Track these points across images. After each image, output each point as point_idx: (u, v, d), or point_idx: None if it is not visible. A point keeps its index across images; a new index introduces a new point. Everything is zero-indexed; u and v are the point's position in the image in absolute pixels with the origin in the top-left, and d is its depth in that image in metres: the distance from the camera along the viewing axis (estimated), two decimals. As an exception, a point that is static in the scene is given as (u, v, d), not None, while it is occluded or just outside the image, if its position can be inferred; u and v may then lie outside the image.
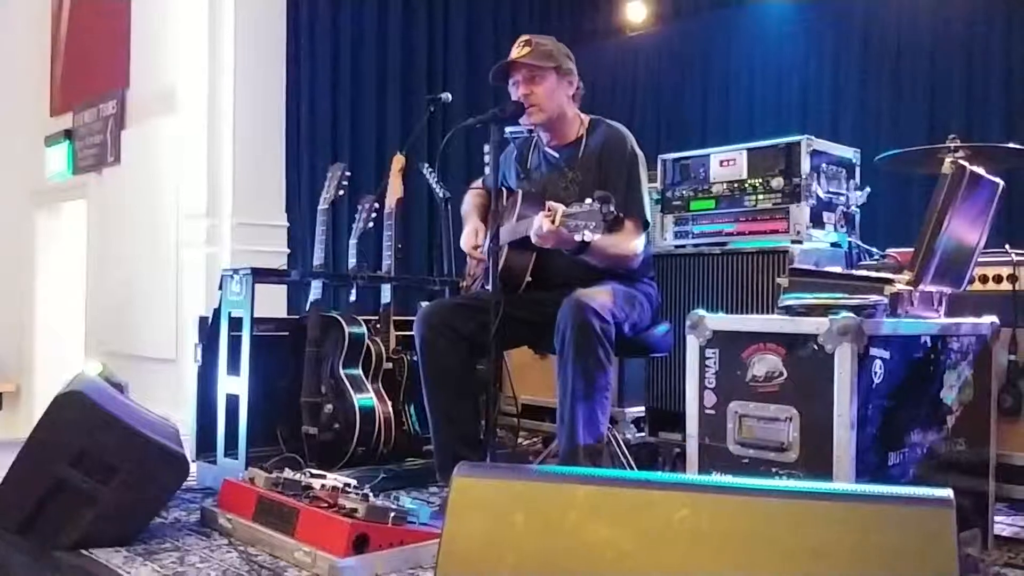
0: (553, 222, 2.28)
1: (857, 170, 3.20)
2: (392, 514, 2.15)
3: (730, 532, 1.12)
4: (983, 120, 4.90)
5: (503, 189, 2.81)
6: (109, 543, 2.26)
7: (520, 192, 2.72)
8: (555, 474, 1.24)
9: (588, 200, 2.19)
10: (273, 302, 4.07)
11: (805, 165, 2.95)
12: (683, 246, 3.25)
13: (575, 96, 2.75)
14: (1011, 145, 3.20)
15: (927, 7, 5.08)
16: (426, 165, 3.99)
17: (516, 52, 2.69)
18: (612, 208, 2.16)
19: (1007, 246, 2.65)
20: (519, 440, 3.69)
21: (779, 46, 5.73)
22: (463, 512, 1.22)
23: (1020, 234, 3.76)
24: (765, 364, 1.94)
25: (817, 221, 3.00)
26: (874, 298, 1.97)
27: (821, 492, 1.13)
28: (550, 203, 2.33)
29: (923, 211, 5.01)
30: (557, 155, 2.75)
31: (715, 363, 2.03)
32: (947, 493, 1.09)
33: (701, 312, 2.07)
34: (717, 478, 1.22)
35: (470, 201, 2.94)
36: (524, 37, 2.73)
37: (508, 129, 2.76)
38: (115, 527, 2.28)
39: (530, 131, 2.75)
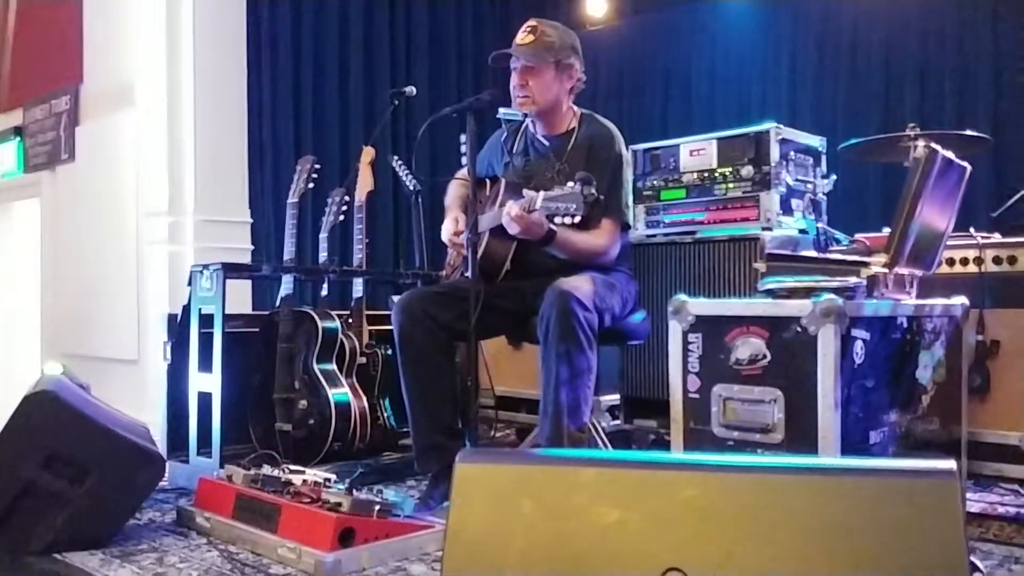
0: (527, 209, 2.28)
1: (823, 158, 3.25)
2: (377, 507, 2.14)
3: (738, 510, 1.12)
4: (936, 110, 5.00)
5: (487, 179, 2.80)
6: (83, 546, 2.21)
7: (504, 180, 2.71)
8: (560, 457, 1.24)
9: (570, 183, 2.19)
10: (238, 298, 4.00)
11: (774, 153, 3.00)
12: (654, 236, 3.27)
13: (572, 89, 2.74)
14: (968, 132, 3.28)
15: (882, 1, 5.18)
16: (395, 157, 3.96)
17: (520, 38, 2.66)
18: (593, 190, 2.16)
19: (971, 229, 2.72)
20: (493, 432, 3.68)
21: (738, 40, 5.79)
22: (468, 499, 1.20)
23: (975, 219, 3.86)
24: (749, 347, 1.96)
25: (786, 208, 3.05)
26: (853, 280, 2.00)
27: (826, 467, 1.14)
28: (525, 191, 2.33)
29: (880, 198, 5.13)
30: (547, 143, 2.75)
31: (698, 347, 2.05)
32: (950, 465, 1.11)
33: (683, 297, 2.09)
34: (723, 457, 1.23)
35: (453, 192, 2.92)
36: (532, 22, 2.68)
37: (502, 110, 2.74)
38: (89, 529, 2.23)
39: (525, 115, 2.74)
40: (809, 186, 3.14)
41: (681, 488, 1.15)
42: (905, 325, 2.12)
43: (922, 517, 1.08)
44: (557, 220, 2.23)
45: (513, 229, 2.41)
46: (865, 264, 2.10)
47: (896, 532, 1.08)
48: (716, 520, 1.13)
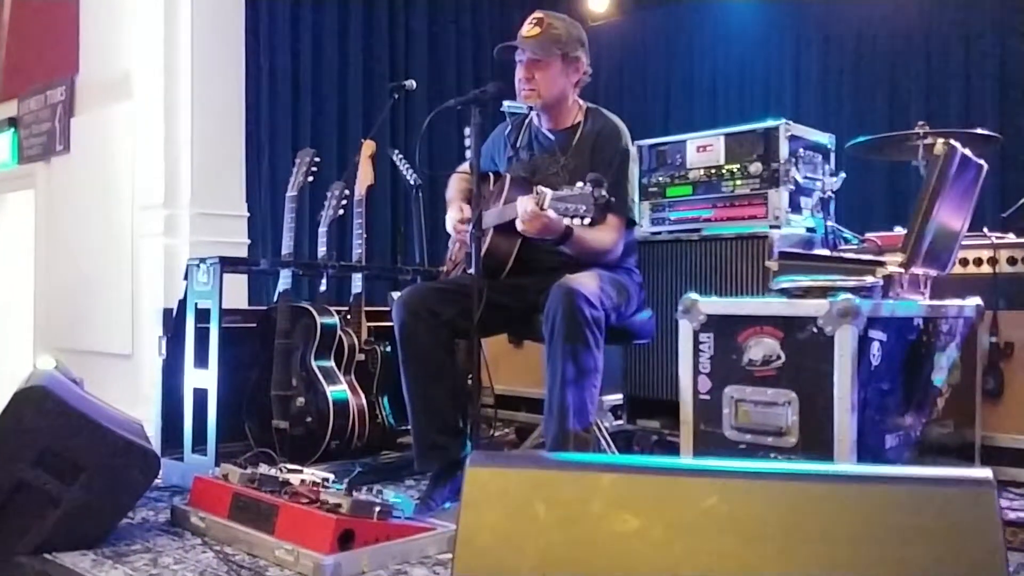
0: (540, 205, 2.22)
1: (832, 155, 3.20)
2: (377, 508, 2.07)
3: (764, 518, 1.07)
4: (942, 109, 4.96)
5: (490, 174, 2.74)
6: (75, 546, 2.14)
7: (508, 176, 2.66)
8: (576, 462, 1.18)
9: (580, 184, 2.13)
10: (234, 293, 3.94)
11: (784, 150, 2.94)
12: (659, 233, 3.22)
13: (578, 82, 2.68)
14: (977, 131, 3.24)
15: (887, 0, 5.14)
16: (396, 151, 3.89)
17: (526, 30, 2.59)
18: (604, 192, 2.10)
19: (984, 229, 2.67)
20: (492, 432, 3.62)
21: (741, 37, 5.75)
22: (479, 504, 1.15)
23: (980, 218, 3.81)
24: (762, 348, 1.90)
25: (794, 206, 2.99)
26: (870, 280, 1.95)
27: (858, 475, 1.09)
28: (538, 187, 2.27)
29: (885, 197, 5.07)
30: (552, 138, 2.69)
31: (709, 347, 2.00)
32: (987, 474, 1.05)
33: (694, 296, 2.03)
34: (747, 463, 1.17)
35: (455, 186, 2.86)
36: (538, 14, 2.61)
37: (506, 103, 2.68)
38: (81, 529, 2.16)
39: (530, 108, 2.68)
40: (818, 184, 3.09)
41: (704, 495, 1.10)
42: (921, 326, 2.07)
43: (959, 528, 1.03)
44: (566, 221, 2.17)
45: (531, 230, 2.33)
46: (881, 263, 2.05)
47: (931, 543, 1.03)
48: (740, 529, 1.08)
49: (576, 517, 1.12)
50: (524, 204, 2.29)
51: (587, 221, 2.14)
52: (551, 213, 2.20)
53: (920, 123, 3.15)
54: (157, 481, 2.75)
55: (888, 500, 1.06)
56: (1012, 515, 2.53)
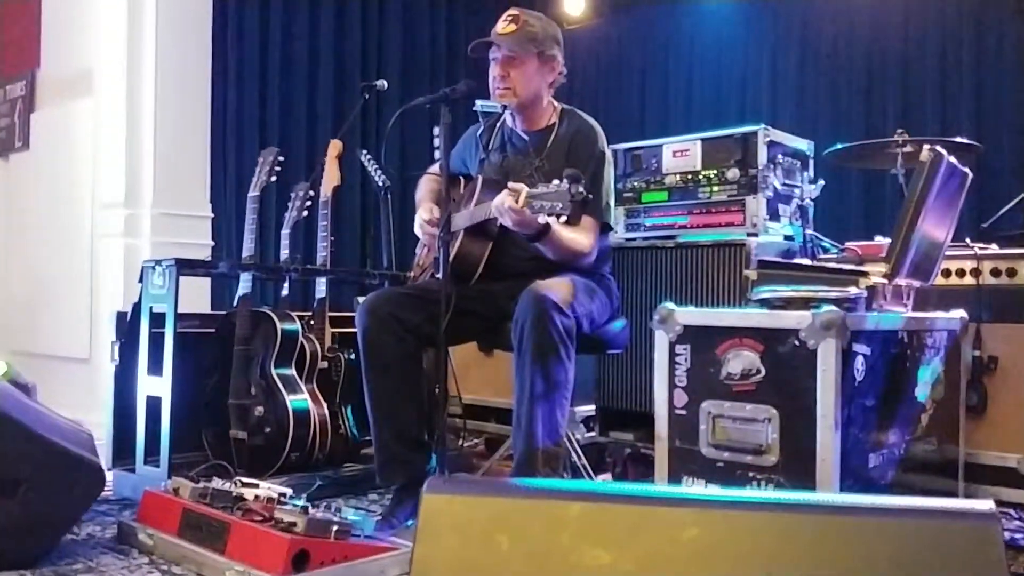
0: (517, 202, 2.13)
1: (811, 162, 3.13)
2: (335, 527, 1.96)
3: (748, 553, 0.98)
4: (919, 118, 4.93)
5: (460, 176, 2.64)
6: (12, 565, 2.01)
7: (480, 178, 2.56)
8: (542, 490, 1.08)
9: (556, 181, 2.04)
10: (195, 297, 3.81)
11: (762, 156, 2.87)
12: (634, 239, 3.13)
13: (553, 83, 2.60)
14: (957, 139, 3.19)
15: (864, 6, 5.10)
16: (365, 152, 3.78)
17: (501, 27, 2.51)
18: (581, 188, 2.01)
19: (967, 239, 2.60)
20: (460, 442, 3.52)
21: (718, 42, 5.70)
22: (435, 534, 1.04)
23: (958, 228, 3.75)
24: (741, 361, 1.82)
25: (773, 214, 2.92)
26: (854, 291, 1.87)
27: (851, 506, 0.99)
28: (512, 184, 2.18)
29: (861, 205, 5.00)
30: (526, 138, 2.60)
31: (686, 360, 1.91)
32: (990, 506, 0.97)
33: (671, 305, 1.94)
34: (730, 492, 1.08)
35: (425, 187, 2.75)
36: (513, 11, 2.53)
37: (479, 102, 2.59)
38: (18, 547, 2.03)
39: (504, 107, 2.58)
40: (797, 191, 3.02)
41: (681, 527, 1.00)
42: (905, 339, 1.99)
43: (961, 563, 0.94)
44: (541, 218, 2.09)
45: (507, 221, 2.25)
46: (864, 274, 1.97)
47: (930, 582, 0.94)
48: (722, 564, 0.99)
49: (542, 550, 1.01)
50: (502, 198, 2.20)
51: (563, 219, 2.06)
52: (526, 211, 2.11)
53: (899, 131, 3.09)
54: (107, 493, 2.63)
55: (884, 534, 0.96)
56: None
